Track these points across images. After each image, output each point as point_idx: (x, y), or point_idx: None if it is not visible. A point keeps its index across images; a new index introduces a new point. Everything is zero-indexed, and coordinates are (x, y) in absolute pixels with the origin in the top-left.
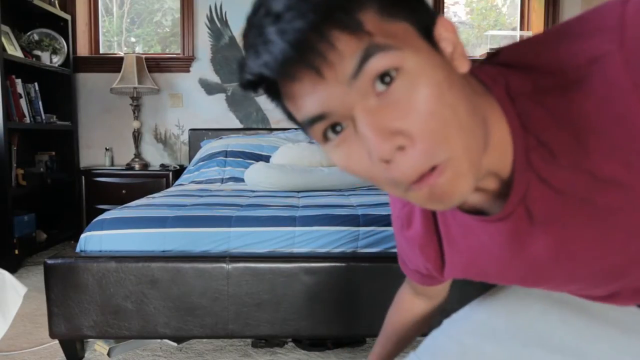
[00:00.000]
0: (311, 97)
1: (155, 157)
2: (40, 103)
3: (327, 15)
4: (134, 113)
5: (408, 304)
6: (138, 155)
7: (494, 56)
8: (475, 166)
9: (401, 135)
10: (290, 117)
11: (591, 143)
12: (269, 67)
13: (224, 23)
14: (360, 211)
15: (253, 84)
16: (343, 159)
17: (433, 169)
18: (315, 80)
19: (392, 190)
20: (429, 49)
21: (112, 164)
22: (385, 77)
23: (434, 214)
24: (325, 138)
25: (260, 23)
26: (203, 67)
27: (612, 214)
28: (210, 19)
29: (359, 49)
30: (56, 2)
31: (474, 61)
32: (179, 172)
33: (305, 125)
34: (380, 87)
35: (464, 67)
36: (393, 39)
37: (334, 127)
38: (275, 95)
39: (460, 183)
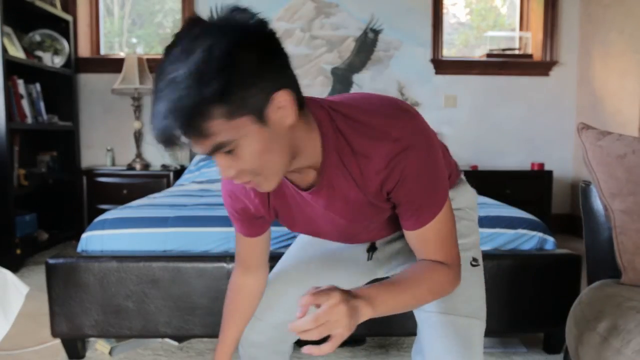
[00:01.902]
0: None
1: (156, 157)
2: (41, 103)
3: (186, 126)
4: (135, 113)
5: (239, 281)
6: (139, 155)
7: (336, 102)
8: (277, 176)
9: (235, 175)
10: None
11: (359, 170)
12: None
13: None
14: None
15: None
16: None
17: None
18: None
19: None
20: (258, 128)
21: (114, 164)
22: (228, 151)
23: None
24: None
25: (152, 112)
26: None
27: (356, 205)
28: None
29: (208, 146)
30: (58, 4)
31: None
32: (179, 172)
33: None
34: (224, 153)
35: (290, 121)
36: (234, 132)
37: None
38: None
39: (268, 185)
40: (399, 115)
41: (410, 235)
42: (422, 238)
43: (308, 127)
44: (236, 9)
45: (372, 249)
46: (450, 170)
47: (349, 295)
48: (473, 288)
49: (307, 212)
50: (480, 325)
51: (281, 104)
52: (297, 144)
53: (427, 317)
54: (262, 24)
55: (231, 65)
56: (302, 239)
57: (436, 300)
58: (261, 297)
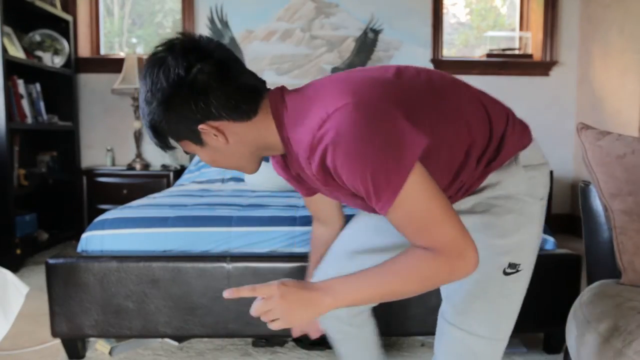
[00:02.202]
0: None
1: (156, 157)
2: (41, 103)
3: (156, 144)
4: (135, 113)
5: (317, 232)
6: (139, 155)
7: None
8: (247, 166)
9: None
10: None
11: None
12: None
13: (225, 24)
14: None
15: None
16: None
17: None
18: None
19: None
20: (200, 147)
21: (114, 164)
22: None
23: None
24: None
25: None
26: None
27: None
28: (211, 20)
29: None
30: (58, 4)
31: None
32: (179, 172)
33: None
34: None
35: (222, 141)
36: (185, 147)
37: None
38: None
39: (246, 172)
40: (331, 103)
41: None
42: (394, 224)
43: (267, 126)
44: (194, 46)
45: None
46: (501, 145)
47: (301, 288)
48: (499, 303)
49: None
50: (496, 346)
51: (210, 132)
52: (255, 144)
53: (442, 325)
54: (210, 62)
55: (162, 109)
56: (362, 214)
57: (452, 304)
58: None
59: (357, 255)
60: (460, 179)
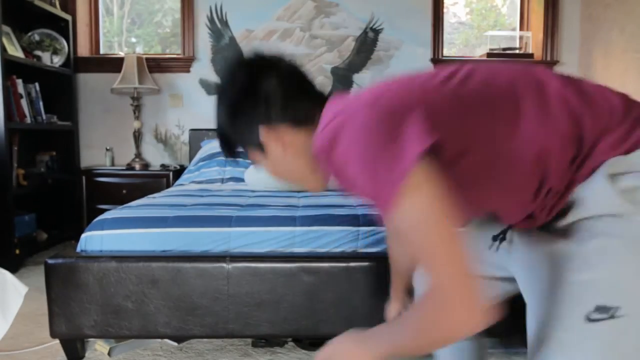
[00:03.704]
0: None
1: (156, 157)
2: (41, 103)
3: (229, 153)
4: (135, 113)
5: (392, 246)
6: (138, 155)
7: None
8: (309, 182)
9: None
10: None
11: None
12: None
13: (224, 23)
14: (360, 211)
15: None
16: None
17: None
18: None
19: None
20: (262, 156)
21: (113, 164)
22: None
23: None
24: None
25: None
26: (203, 68)
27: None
28: (211, 20)
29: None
30: (57, 3)
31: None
32: (179, 172)
33: None
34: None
35: (280, 149)
36: (251, 155)
37: None
38: None
39: (309, 188)
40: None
41: None
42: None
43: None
44: (261, 58)
45: (501, 237)
46: (591, 153)
47: (342, 342)
48: None
49: None
50: None
51: (270, 137)
52: (312, 157)
53: None
54: (275, 71)
55: (228, 112)
56: None
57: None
58: None
59: None
60: (547, 186)
